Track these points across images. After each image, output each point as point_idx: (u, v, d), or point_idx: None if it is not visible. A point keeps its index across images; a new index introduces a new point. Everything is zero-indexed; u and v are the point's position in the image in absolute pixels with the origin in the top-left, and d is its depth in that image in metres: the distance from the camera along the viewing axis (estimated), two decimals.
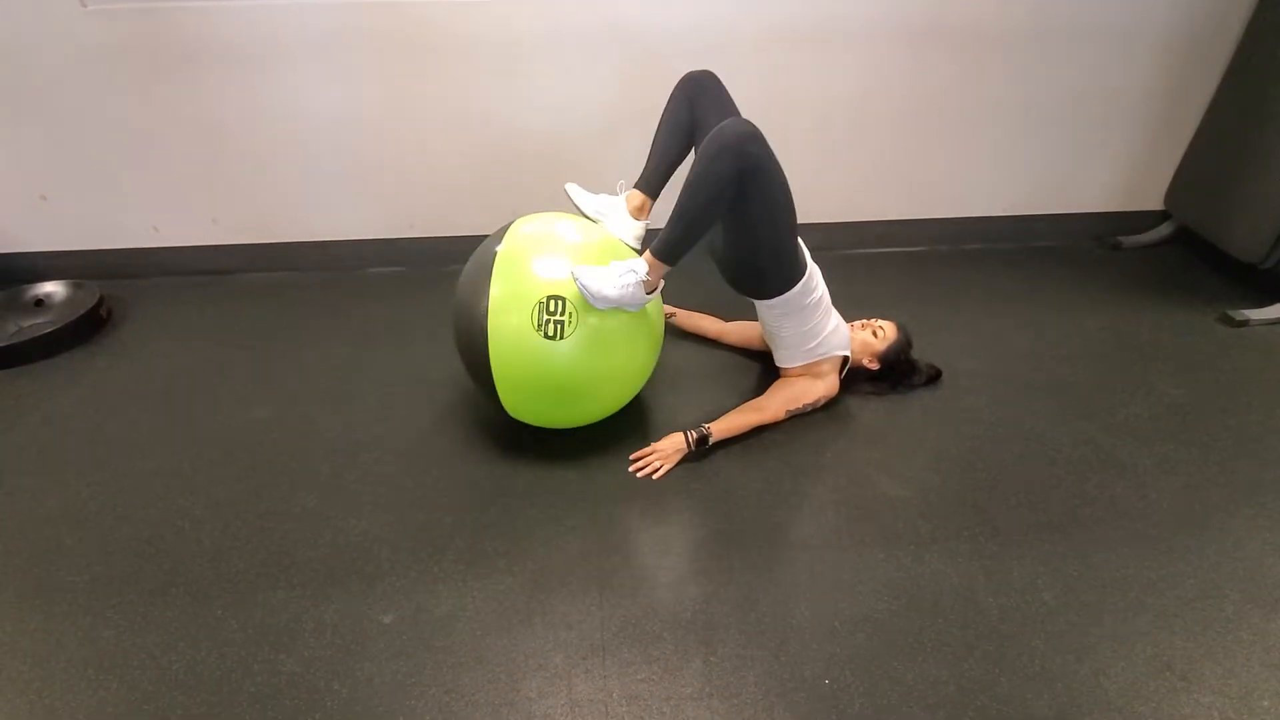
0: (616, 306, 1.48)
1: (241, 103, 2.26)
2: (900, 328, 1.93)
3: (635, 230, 1.71)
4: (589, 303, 1.45)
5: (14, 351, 2.06)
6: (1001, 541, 1.49)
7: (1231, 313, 2.28)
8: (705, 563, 1.45)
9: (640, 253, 1.55)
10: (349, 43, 2.19)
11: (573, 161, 2.44)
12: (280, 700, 1.19)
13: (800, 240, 1.71)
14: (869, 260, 2.71)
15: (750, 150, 1.41)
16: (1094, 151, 2.66)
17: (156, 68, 2.18)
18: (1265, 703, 1.19)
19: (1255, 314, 2.26)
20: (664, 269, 1.50)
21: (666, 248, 1.48)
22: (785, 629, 1.31)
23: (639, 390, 1.76)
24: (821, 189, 2.64)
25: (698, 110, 1.65)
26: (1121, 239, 2.80)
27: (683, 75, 1.70)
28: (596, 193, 1.75)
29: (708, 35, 2.26)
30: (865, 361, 1.90)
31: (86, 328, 2.20)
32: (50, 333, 2.10)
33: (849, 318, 1.94)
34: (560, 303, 1.46)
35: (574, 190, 1.73)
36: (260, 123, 2.31)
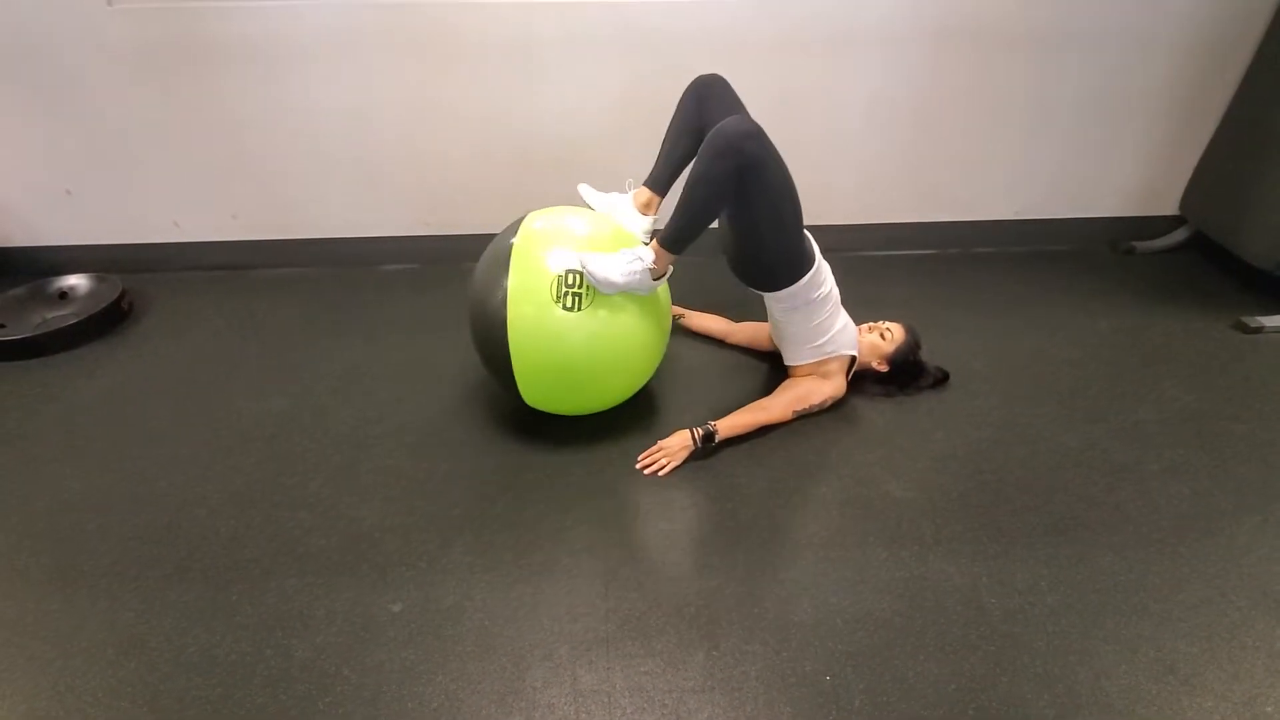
0: (624, 291, 1.53)
1: (262, 101, 2.31)
2: (909, 330, 1.93)
3: (643, 224, 1.75)
4: (598, 289, 1.51)
5: (38, 343, 2.11)
6: (1005, 543, 1.50)
7: (1245, 319, 2.26)
8: (709, 558, 1.46)
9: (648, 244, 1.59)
10: (368, 42, 2.23)
11: (585, 161, 2.46)
12: (292, 685, 1.22)
13: (810, 236, 1.73)
14: (880, 262, 2.71)
15: (748, 148, 1.45)
16: (1108, 155, 2.64)
17: (180, 65, 2.23)
18: (1269, 709, 1.19)
19: (1269, 321, 2.24)
20: (670, 258, 1.56)
21: (671, 238, 1.53)
22: (787, 625, 1.32)
23: (648, 377, 1.79)
24: (833, 190, 2.65)
25: (705, 111, 1.69)
26: (1135, 244, 2.78)
27: (693, 79, 1.73)
28: (607, 192, 1.81)
29: (721, 38, 2.28)
30: (874, 364, 1.91)
31: (108, 320, 2.25)
32: (73, 325, 2.15)
33: (858, 319, 1.95)
34: (577, 276, 1.52)
35: (585, 190, 1.81)
36: (280, 121, 2.35)
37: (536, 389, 1.65)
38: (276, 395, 1.95)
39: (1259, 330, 2.23)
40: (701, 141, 1.52)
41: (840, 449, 1.76)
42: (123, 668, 1.25)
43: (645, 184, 1.78)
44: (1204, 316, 2.33)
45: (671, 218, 1.53)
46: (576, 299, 1.52)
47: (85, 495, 1.62)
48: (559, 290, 1.52)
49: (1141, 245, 2.77)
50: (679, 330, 2.23)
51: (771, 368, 2.04)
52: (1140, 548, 1.49)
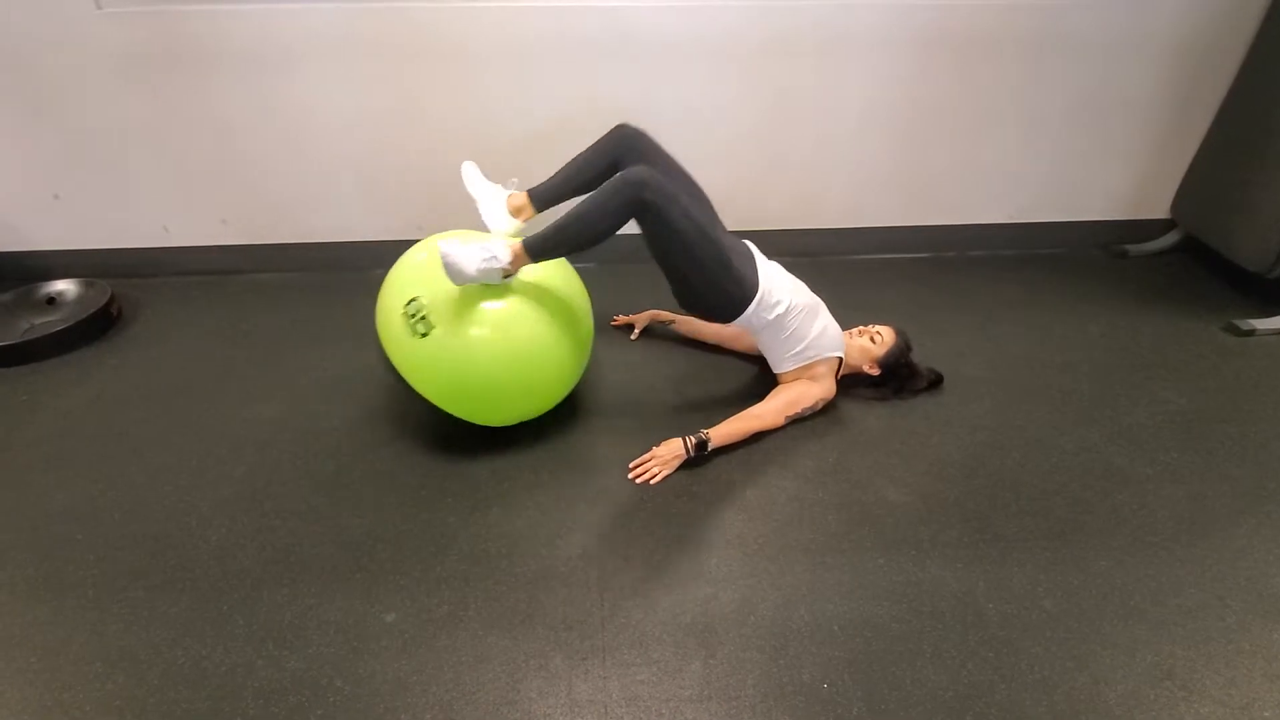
0: (473, 282, 1.53)
1: (252, 105, 2.29)
2: (898, 332, 1.93)
3: (505, 227, 1.77)
4: (449, 277, 1.50)
5: (26, 349, 2.09)
6: (1002, 548, 1.50)
7: (1237, 322, 2.27)
8: (705, 566, 1.45)
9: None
10: (358, 47, 2.21)
11: None
12: (284, 697, 1.20)
13: (753, 254, 1.78)
14: (873, 266, 2.71)
15: (644, 196, 1.49)
16: (1100, 159, 2.66)
17: (169, 69, 2.21)
18: (1267, 714, 1.19)
19: (1261, 323, 2.25)
20: (526, 263, 1.57)
21: (538, 247, 1.56)
22: (784, 632, 1.32)
23: (571, 362, 1.73)
24: (826, 194, 2.65)
25: (621, 155, 1.73)
26: (1127, 247, 2.79)
27: (618, 125, 1.76)
28: (491, 181, 1.83)
29: (715, 43, 2.28)
30: (865, 367, 1.91)
31: (97, 326, 2.22)
32: (61, 330, 2.12)
33: (851, 323, 1.95)
34: (414, 302, 1.54)
35: (469, 168, 1.83)
36: (270, 125, 2.33)
37: (457, 408, 1.65)
38: (267, 402, 1.93)
39: (1250, 333, 2.24)
40: (603, 179, 1.57)
41: (835, 454, 1.76)
42: (111, 680, 1.23)
43: (528, 192, 1.79)
44: (1196, 319, 2.34)
45: (548, 229, 1.55)
46: (423, 321, 1.53)
47: (72, 504, 1.60)
48: (406, 322, 1.54)
49: (1134, 248, 2.79)
50: (671, 335, 2.23)
51: (763, 371, 2.03)
52: (1136, 552, 1.49)
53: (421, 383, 1.60)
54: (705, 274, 1.64)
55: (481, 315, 1.55)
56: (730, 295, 1.69)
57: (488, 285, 1.56)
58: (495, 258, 1.51)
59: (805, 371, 1.85)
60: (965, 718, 1.18)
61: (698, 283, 1.67)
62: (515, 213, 1.78)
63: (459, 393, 1.62)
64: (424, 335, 1.53)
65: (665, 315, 2.25)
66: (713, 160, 2.48)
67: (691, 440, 1.68)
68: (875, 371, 1.91)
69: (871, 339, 1.91)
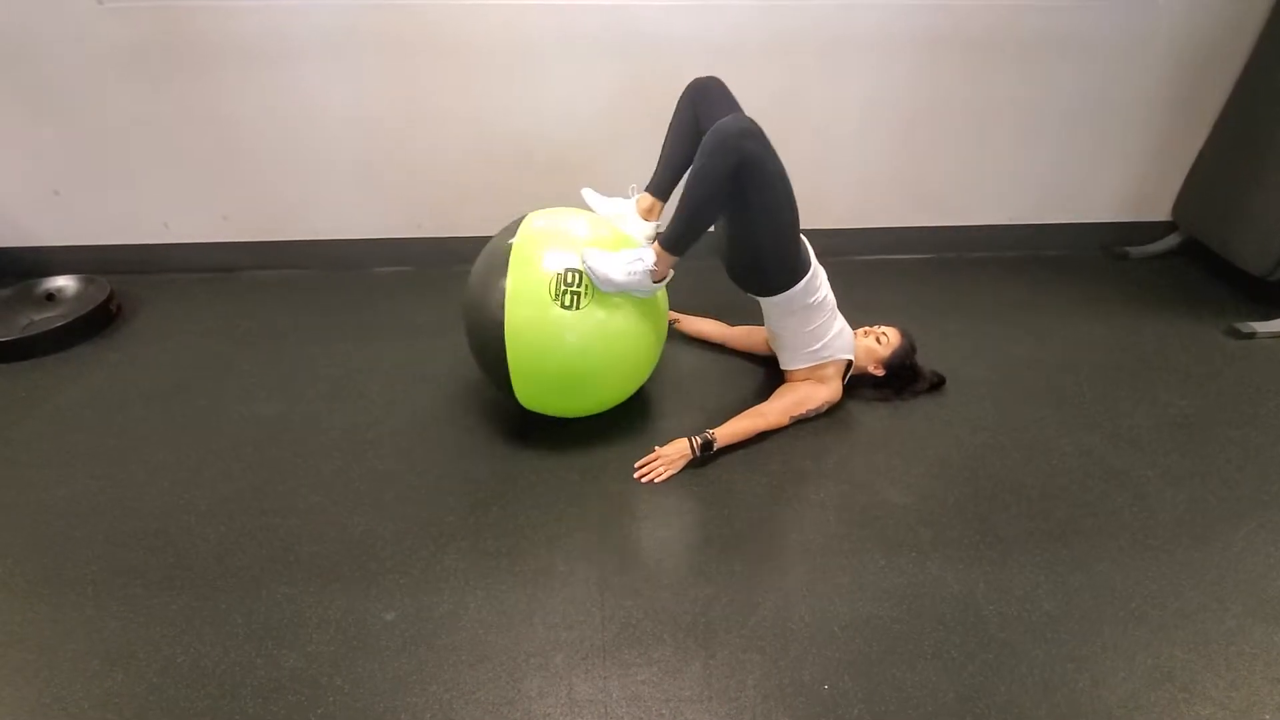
0: (623, 291, 1.53)
1: (254, 101, 2.28)
2: (904, 334, 1.93)
3: (646, 230, 1.75)
4: (597, 286, 1.50)
5: (25, 345, 2.08)
6: (1003, 550, 1.50)
7: (1238, 325, 2.27)
8: (706, 566, 1.45)
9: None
10: (361, 43, 2.21)
11: (581, 164, 2.45)
12: (283, 695, 1.20)
13: (806, 241, 1.74)
14: (875, 267, 2.71)
15: (746, 146, 1.45)
16: (1102, 161, 2.65)
17: (170, 65, 2.20)
18: (1267, 716, 1.19)
19: (1261, 326, 2.25)
20: (671, 259, 1.56)
21: (671, 240, 1.54)
22: (785, 633, 1.31)
23: (644, 380, 1.78)
24: (828, 195, 2.65)
25: (702, 114, 1.68)
26: (1128, 249, 2.79)
27: (690, 82, 1.73)
28: (610, 196, 1.81)
29: (717, 42, 2.27)
30: (869, 368, 1.91)
31: (97, 322, 2.22)
32: (61, 327, 2.12)
33: (854, 323, 1.95)
34: (577, 275, 1.52)
35: (589, 194, 1.81)
36: (272, 121, 2.33)
37: (532, 390, 1.64)
38: (267, 399, 1.93)
39: (1251, 335, 2.24)
40: (699, 143, 1.52)
41: (837, 454, 1.76)
42: (109, 678, 1.22)
43: (647, 189, 1.77)
44: (1197, 322, 2.34)
45: (672, 220, 1.54)
46: (575, 298, 1.51)
47: (71, 501, 1.59)
48: (558, 288, 1.51)
49: (1135, 250, 2.78)
50: (675, 335, 2.23)
51: (768, 372, 2.03)
52: (1137, 554, 1.49)
53: (528, 351, 1.55)
54: (779, 236, 1.60)
55: (623, 302, 1.57)
56: (788, 265, 1.65)
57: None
58: (640, 259, 1.50)
59: (815, 372, 1.84)
60: (965, 719, 1.17)
61: (768, 243, 1.61)
62: (646, 214, 1.77)
63: (562, 374, 1.59)
64: (566, 308, 1.50)
65: (670, 314, 2.24)
66: None
67: (697, 441, 1.68)
68: (880, 372, 1.91)
69: (878, 339, 1.91)
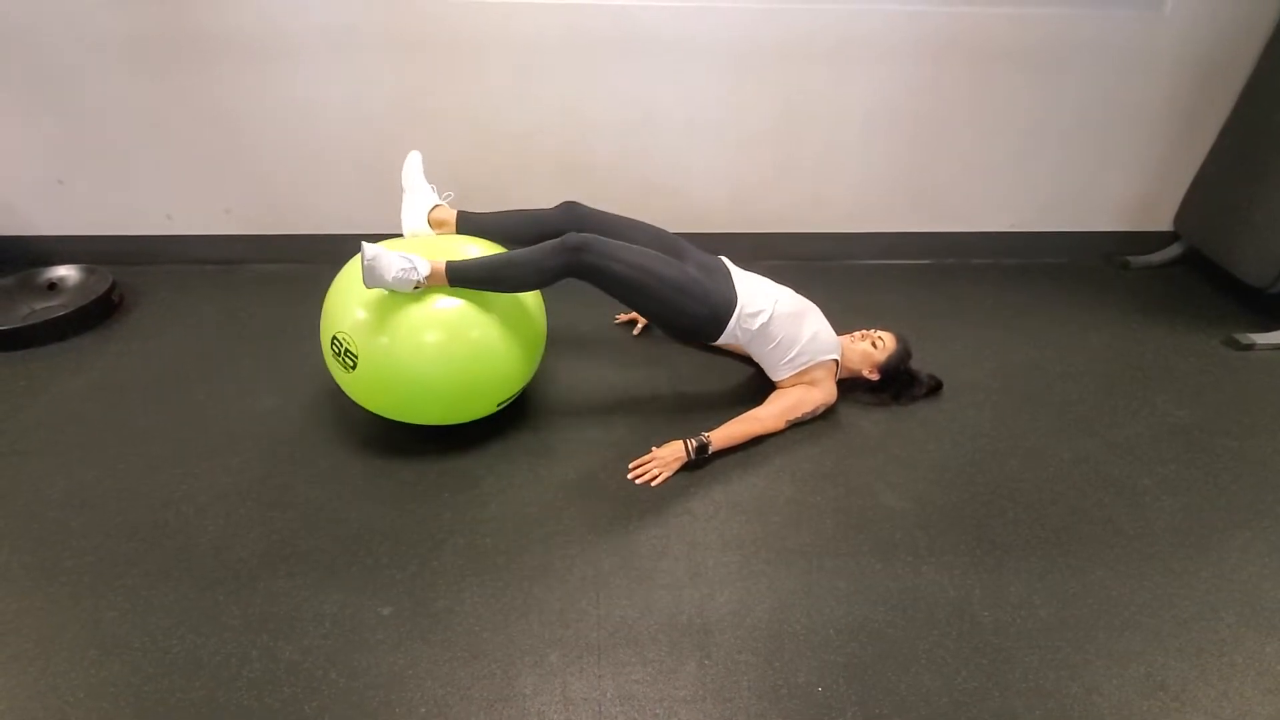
0: (385, 288, 1.52)
1: (257, 94, 2.29)
2: (899, 338, 1.94)
3: (417, 227, 1.78)
4: (364, 279, 1.49)
5: (25, 334, 2.09)
6: (999, 556, 1.50)
7: (1237, 336, 2.28)
8: (701, 567, 1.45)
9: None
10: (364, 38, 2.21)
11: (583, 163, 2.46)
12: (279, 688, 1.20)
13: (729, 269, 1.80)
14: (876, 271, 2.71)
15: (578, 260, 1.56)
16: (1104, 170, 2.66)
17: (174, 57, 2.20)
18: None
19: (1261, 338, 2.26)
20: (442, 284, 1.56)
21: (460, 277, 1.56)
22: (780, 635, 1.32)
23: (511, 352, 1.67)
24: (831, 198, 2.65)
25: (565, 223, 1.74)
26: (1130, 258, 2.80)
27: (565, 202, 1.80)
28: (428, 180, 1.82)
29: (723, 46, 2.28)
30: (865, 372, 1.91)
31: (98, 313, 2.22)
32: (62, 317, 2.12)
33: (853, 327, 1.95)
34: (338, 341, 1.57)
35: (413, 157, 1.83)
36: (275, 115, 2.33)
37: (415, 417, 1.68)
38: (267, 393, 1.93)
39: (1250, 347, 2.25)
40: (537, 239, 1.62)
41: (834, 458, 1.76)
42: (106, 668, 1.23)
43: (459, 212, 1.79)
44: (1197, 332, 2.35)
45: (477, 261, 1.58)
46: (349, 356, 1.56)
47: (70, 491, 1.60)
48: (334, 360, 1.60)
49: (1136, 260, 2.79)
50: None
51: (765, 374, 2.03)
52: (1132, 562, 1.49)
53: (368, 404, 1.67)
54: (669, 306, 1.68)
55: (395, 328, 1.53)
56: (704, 317, 1.72)
57: (402, 294, 1.54)
58: (414, 269, 1.50)
59: (802, 377, 1.85)
60: None
61: (668, 315, 1.72)
62: (435, 224, 1.79)
63: (398, 405, 1.65)
64: (352, 369, 1.57)
65: None
66: (719, 162, 2.49)
67: (692, 443, 1.68)
68: (875, 376, 1.91)
69: (873, 344, 1.91)
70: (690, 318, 1.72)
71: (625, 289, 1.65)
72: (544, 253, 1.57)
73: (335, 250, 2.58)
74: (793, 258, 2.61)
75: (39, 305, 2.26)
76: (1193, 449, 1.82)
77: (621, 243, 1.64)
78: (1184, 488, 1.70)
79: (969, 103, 2.46)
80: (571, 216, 1.77)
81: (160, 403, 1.89)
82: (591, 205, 1.82)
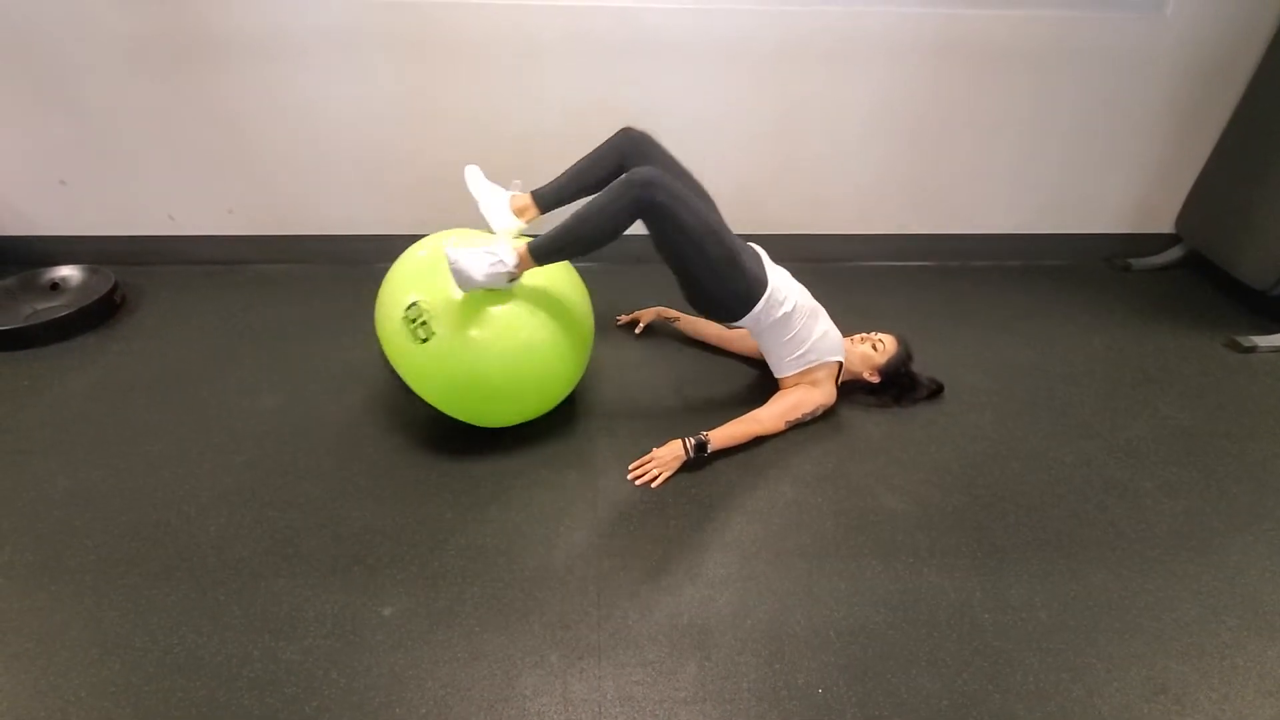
0: (480, 288, 1.52)
1: (261, 95, 2.29)
2: (900, 341, 1.94)
3: (509, 226, 1.76)
4: (457, 284, 1.49)
5: (28, 334, 2.09)
6: (1000, 558, 1.50)
7: (1239, 338, 2.27)
8: (702, 568, 1.45)
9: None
10: (368, 39, 2.22)
11: None
12: (279, 687, 1.20)
13: (761, 255, 1.78)
14: (877, 273, 2.71)
15: (652, 196, 1.49)
16: (1106, 172, 2.66)
17: (178, 58, 2.21)
18: None
19: (1263, 341, 2.26)
20: (531, 266, 1.56)
21: (543, 252, 1.55)
22: (780, 637, 1.32)
23: (567, 361, 1.71)
24: (832, 200, 2.65)
25: (627, 156, 1.73)
26: (1131, 261, 2.80)
27: (622, 129, 1.77)
28: (495, 182, 1.82)
29: (724, 47, 2.28)
30: (865, 375, 1.91)
31: (100, 313, 2.22)
32: (64, 316, 2.13)
33: (854, 329, 1.95)
34: (415, 306, 1.53)
35: (472, 171, 1.81)
36: (278, 116, 2.34)
37: (458, 412, 1.66)
38: (269, 393, 1.93)
39: (1252, 350, 2.24)
40: (608, 182, 1.57)
41: (835, 460, 1.76)
42: (107, 667, 1.23)
43: (532, 193, 1.78)
44: (1198, 335, 2.35)
45: (554, 232, 1.55)
46: (423, 327, 1.52)
47: (72, 491, 1.60)
48: (406, 327, 1.54)
49: (1138, 262, 2.79)
50: (674, 336, 2.23)
51: (765, 374, 2.03)
52: (1133, 565, 1.49)
53: (422, 387, 1.60)
54: (715, 271, 1.64)
55: (482, 318, 1.54)
56: (739, 293, 1.69)
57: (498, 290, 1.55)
58: (501, 261, 1.50)
59: (805, 376, 1.85)
60: None
61: (708, 280, 1.67)
62: (519, 214, 1.78)
63: (459, 396, 1.62)
64: (424, 341, 1.52)
65: (670, 313, 2.25)
66: (721, 163, 2.49)
67: (691, 442, 1.68)
68: (876, 379, 1.91)
69: (874, 346, 1.91)
70: (727, 291, 1.68)
71: (684, 240, 1.57)
72: (611, 196, 1.51)
73: (337, 251, 2.61)
74: (793, 259, 2.59)
75: (42, 305, 2.26)
76: (1194, 452, 1.82)
77: (685, 187, 1.58)
78: (1185, 490, 1.70)
79: (970, 104, 2.46)
80: (630, 148, 1.73)
81: (162, 403, 1.89)
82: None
